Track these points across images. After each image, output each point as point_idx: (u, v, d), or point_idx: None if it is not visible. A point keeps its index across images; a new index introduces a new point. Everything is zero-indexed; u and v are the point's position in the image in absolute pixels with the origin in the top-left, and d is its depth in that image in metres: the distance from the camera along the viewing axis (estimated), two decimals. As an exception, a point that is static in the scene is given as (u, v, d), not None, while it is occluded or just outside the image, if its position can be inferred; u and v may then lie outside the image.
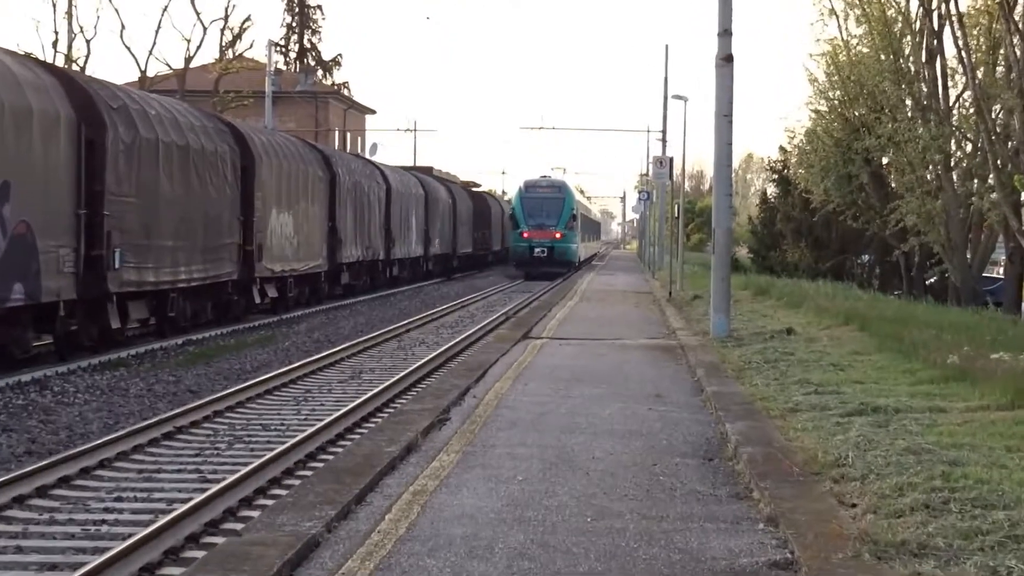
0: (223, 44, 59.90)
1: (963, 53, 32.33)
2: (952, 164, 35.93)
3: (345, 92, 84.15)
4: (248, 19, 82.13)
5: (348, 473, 9.08)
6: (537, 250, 58.17)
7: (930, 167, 35.86)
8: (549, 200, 59.53)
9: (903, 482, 8.38)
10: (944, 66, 35.83)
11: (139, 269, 21.81)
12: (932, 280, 43.25)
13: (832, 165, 40.96)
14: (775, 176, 56.17)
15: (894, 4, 37.29)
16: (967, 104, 35.58)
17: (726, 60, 21.05)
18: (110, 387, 17.49)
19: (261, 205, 28.73)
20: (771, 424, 11.42)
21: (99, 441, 12.75)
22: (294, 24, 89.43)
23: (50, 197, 18.89)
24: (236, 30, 60.15)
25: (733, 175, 23.12)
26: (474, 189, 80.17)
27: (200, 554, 8.70)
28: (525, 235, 58.70)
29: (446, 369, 19.52)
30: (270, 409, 16.14)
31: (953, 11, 32.65)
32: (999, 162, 31.32)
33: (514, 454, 10.29)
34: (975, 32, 33.88)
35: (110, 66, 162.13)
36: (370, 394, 16.37)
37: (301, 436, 13.07)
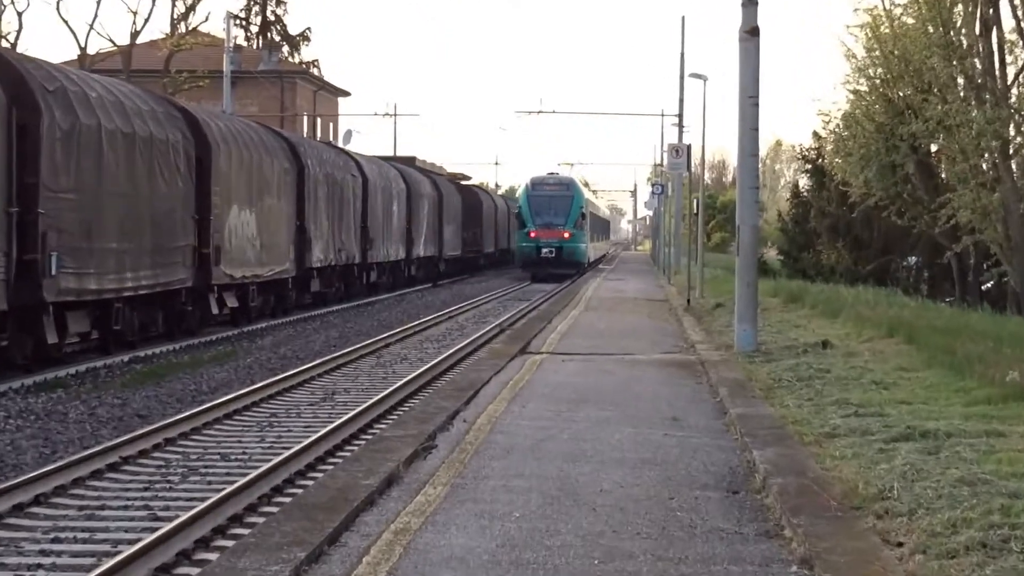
0: (175, 17, 60.05)
1: (1023, 24, 32.34)
2: (1011, 151, 35.94)
3: (315, 72, 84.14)
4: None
5: (320, 509, 9.08)
6: (545, 250, 62.49)
7: (986, 155, 35.83)
8: (557, 198, 64.06)
9: (957, 517, 8.38)
10: (1001, 39, 35.82)
11: (79, 275, 21.79)
12: (989, 285, 43.24)
13: (873, 153, 40.91)
14: (808, 166, 56.15)
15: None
16: (1028, 83, 35.58)
17: (751, 33, 21.06)
18: (46, 411, 17.47)
19: (219, 201, 28.73)
20: (805, 451, 11.42)
21: (34, 473, 12.73)
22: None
23: (-24, 193, 18.89)
24: (190, 1, 60.28)
25: (760, 165, 23.13)
26: (463, 182, 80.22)
27: (150, 603, 8.70)
28: (532, 235, 62.99)
29: (432, 389, 19.52)
30: (230, 436, 16.13)
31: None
32: (1065, 149, 31.34)
33: (510, 487, 10.29)
34: (1037, 0, 33.88)
35: (45, 42, 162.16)
36: (345, 418, 16.36)
37: (266, 467, 13.07)
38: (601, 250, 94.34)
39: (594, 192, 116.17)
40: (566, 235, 63.17)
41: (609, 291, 45.20)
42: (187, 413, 16.94)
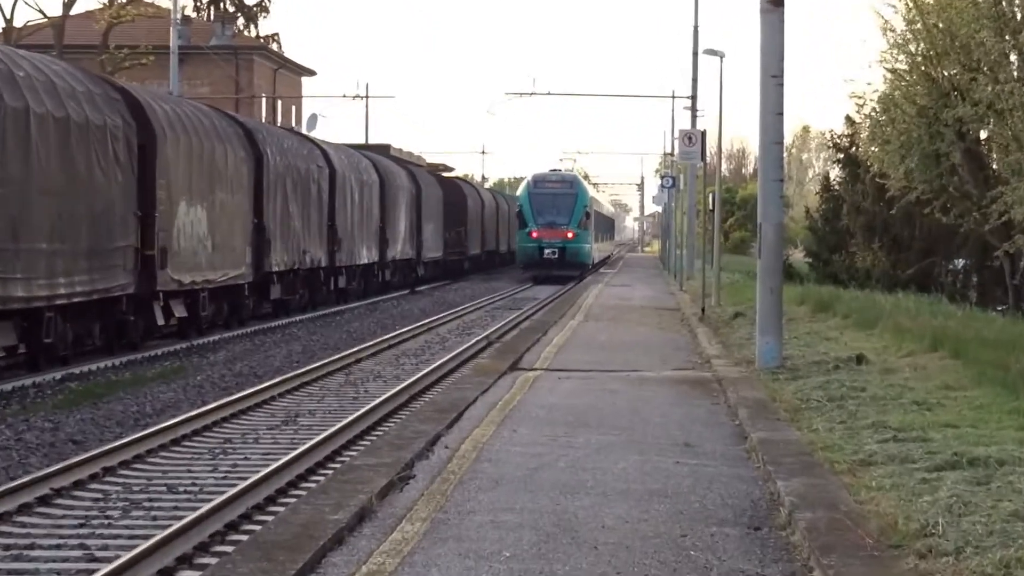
0: (114, -16, 59.94)
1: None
2: (1072, 139, 35.97)
3: (275, 47, 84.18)
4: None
5: (281, 548, 9.07)
6: (547, 251, 67.84)
7: (1043, 143, 35.88)
8: (560, 196, 69.75)
9: (1010, 557, 8.39)
10: (1061, 10, 35.89)
11: (4, 281, 21.76)
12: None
13: (915, 141, 40.93)
14: (840, 156, 56.21)
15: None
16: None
17: (774, 3, 21.09)
18: (-34, 436, 17.45)
19: (165, 196, 28.71)
20: (837, 481, 11.44)
21: (-48, 508, 12.71)
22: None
23: None
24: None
25: (785, 154, 23.16)
26: (445, 174, 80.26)
27: (86, 656, 8.69)
28: (534, 235, 68.34)
29: (409, 411, 19.52)
30: (178, 465, 16.11)
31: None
32: None
33: (499, 522, 10.30)
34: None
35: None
36: (309, 444, 16.35)
37: (219, 500, 13.05)
38: (605, 251, 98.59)
39: (595, 186, 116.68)
40: (570, 235, 68.23)
41: (613, 298, 45.26)
42: (128, 439, 16.90)
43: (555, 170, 76.06)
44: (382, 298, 50.45)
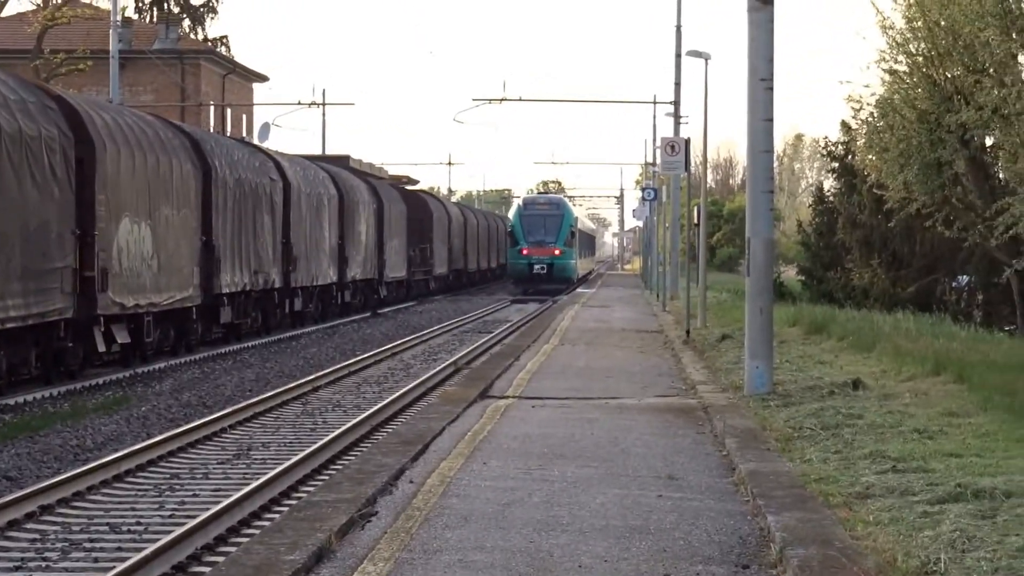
0: (49, -16, 59.85)
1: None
2: (1083, 146, 36.10)
3: (223, 51, 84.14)
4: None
5: (233, 592, 9.09)
6: (536, 267, 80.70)
7: (1053, 151, 36.00)
8: (548, 217, 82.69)
9: (1017, 595, 8.45)
10: (1071, 8, 36.01)
11: (-69, 305, 21.71)
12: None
13: (915, 148, 41.00)
14: (835, 165, 56.37)
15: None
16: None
17: (763, 0, 21.19)
18: None
19: (105, 212, 28.66)
20: (831, 516, 11.49)
21: None
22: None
23: None
24: (67, -37, 60.15)
25: (776, 164, 23.25)
26: (409, 187, 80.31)
27: None
28: (524, 252, 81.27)
29: (371, 443, 19.55)
30: (121, 502, 16.10)
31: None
32: None
33: (468, 562, 10.32)
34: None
35: None
36: (263, 479, 16.36)
37: (165, 540, 13.05)
38: (587, 267, 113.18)
39: (571, 199, 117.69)
40: (557, 252, 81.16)
41: (590, 320, 45.27)
42: (68, 475, 16.87)
43: (543, 193, 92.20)
44: (341, 321, 50.44)
